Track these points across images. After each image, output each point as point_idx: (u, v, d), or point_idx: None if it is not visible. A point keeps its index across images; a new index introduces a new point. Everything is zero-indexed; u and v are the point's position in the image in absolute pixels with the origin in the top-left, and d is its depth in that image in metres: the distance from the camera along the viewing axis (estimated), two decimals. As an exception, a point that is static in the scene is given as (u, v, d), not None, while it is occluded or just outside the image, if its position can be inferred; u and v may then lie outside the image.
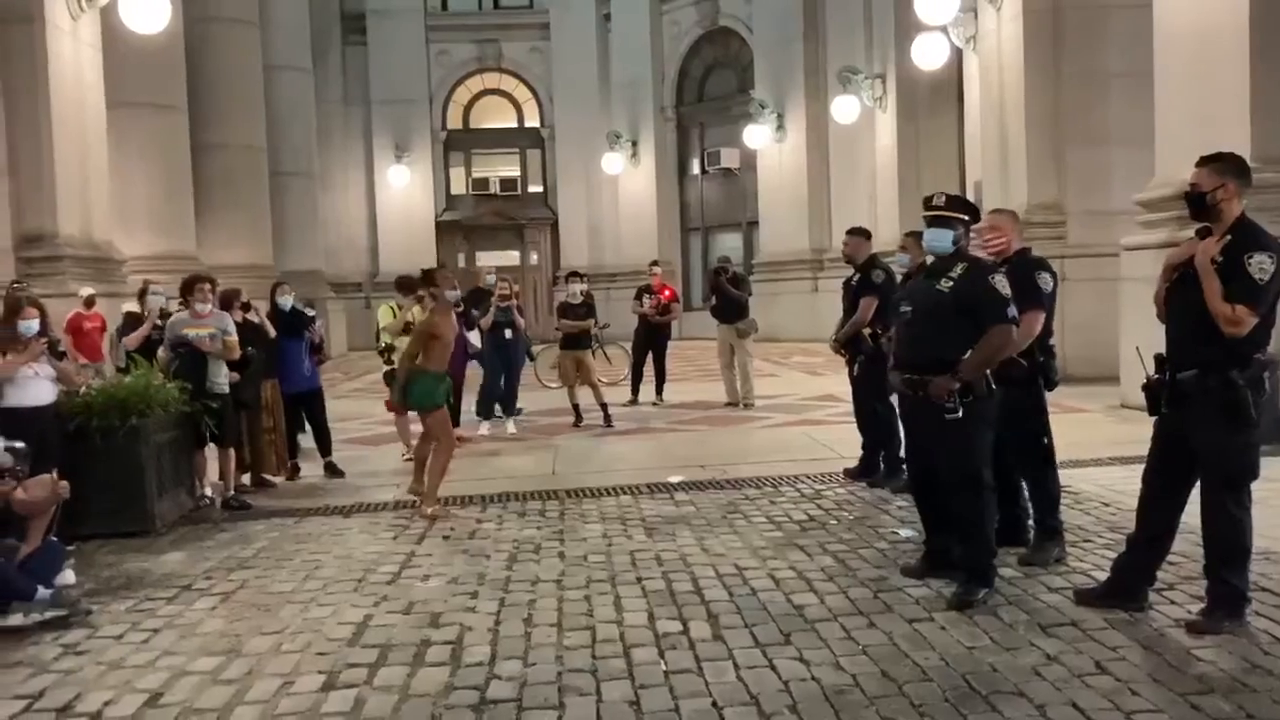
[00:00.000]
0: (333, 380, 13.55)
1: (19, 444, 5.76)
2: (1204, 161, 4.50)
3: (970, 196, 16.53)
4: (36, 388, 6.70)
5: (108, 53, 13.88)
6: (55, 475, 5.90)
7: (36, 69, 12.33)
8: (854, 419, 8.21)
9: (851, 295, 7.89)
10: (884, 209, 20.27)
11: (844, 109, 21.63)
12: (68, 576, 5.69)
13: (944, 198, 5.22)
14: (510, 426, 11.28)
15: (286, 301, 9.33)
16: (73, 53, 12.97)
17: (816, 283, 22.71)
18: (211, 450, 8.02)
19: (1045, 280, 5.46)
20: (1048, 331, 5.51)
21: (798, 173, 23.89)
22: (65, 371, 7.08)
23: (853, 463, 8.15)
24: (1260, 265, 4.24)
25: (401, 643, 4.68)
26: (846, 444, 8.64)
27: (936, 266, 5.18)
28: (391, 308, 9.79)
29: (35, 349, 6.62)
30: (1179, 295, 4.50)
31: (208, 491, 8.03)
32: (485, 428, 11.17)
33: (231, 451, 8.16)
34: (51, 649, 4.78)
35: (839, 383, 10.77)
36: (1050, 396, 5.66)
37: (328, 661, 4.48)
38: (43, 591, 5.22)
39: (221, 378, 7.96)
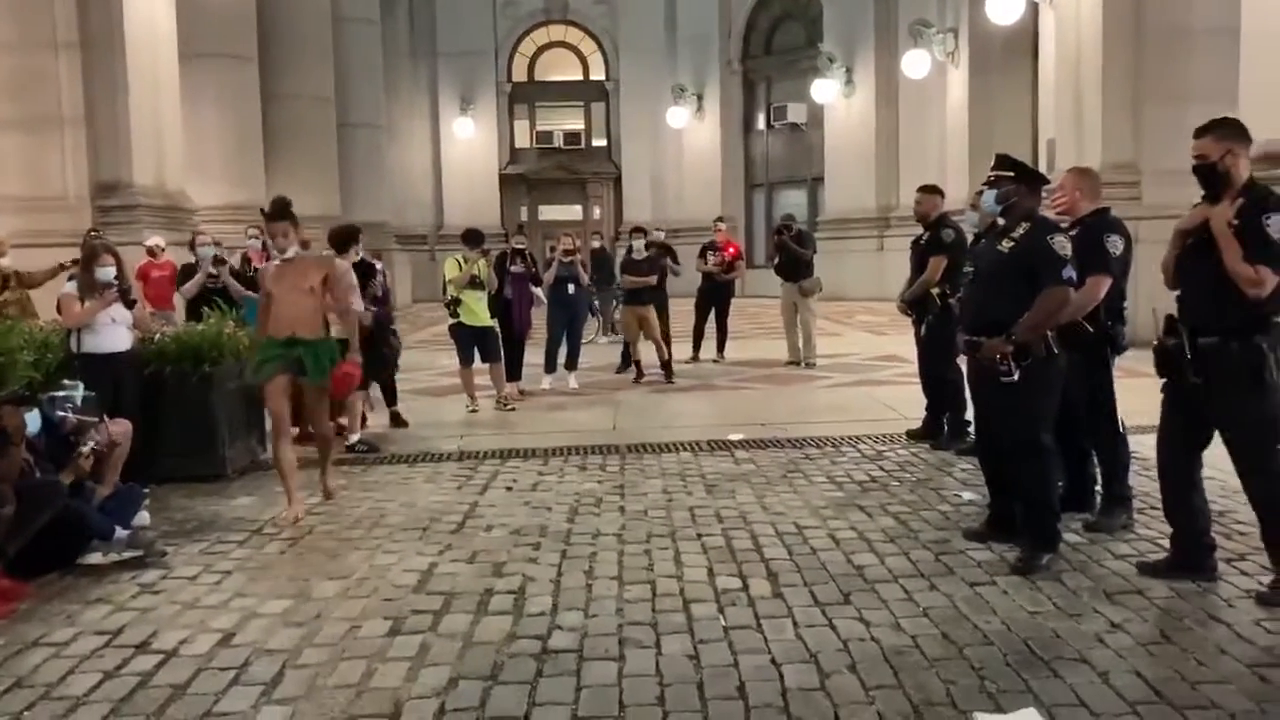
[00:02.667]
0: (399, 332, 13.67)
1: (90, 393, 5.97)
2: (1203, 131, 4.53)
3: (1043, 155, 16.20)
4: (113, 334, 6.88)
5: (180, 3, 14.04)
6: (106, 419, 6.07)
7: (112, 20, 12.53)
8: (918, 380, 8.14)
9: (920, 254, 7.78)
10: (954, 166, 19.90)
11: (915, 64, 21.20)
12: (144, 518, 5.85)
13: (995, 158, 5.22)
14: (572, 381, 11.35)
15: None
16: (147, 3, 13.13)
17: (882, 241, 22.40)
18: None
19: (1114, 243, 5.31)
20: (1119, 295, 5.39)
21: (866, 128, 23.51)
22: (141, 319, 7.26)
23: (916, 424, 8.10)
24: (1278, 226, 4.23)
25: (465, 591, 4.76)
26: (909, 405, 8.58)
27: (1003, 227, 5.11)
28: (457, 260, 9.84)
29: (110, 296, 6.79)
30: (1193, 262, 4.47)
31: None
32: (547, 381, 11.25)
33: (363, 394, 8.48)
34: (129, 588, 4.94)
35: (903, 343, 10.68)
36: (1121, 362, 5.55)
37: (393, 607, 4.57)
38: (120, 532, 5.38)
39: None
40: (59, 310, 7.16)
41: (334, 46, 20.71)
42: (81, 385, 6.07)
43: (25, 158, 12.14)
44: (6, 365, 6.35)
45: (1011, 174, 5.04)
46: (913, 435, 7.98)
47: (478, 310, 9.83)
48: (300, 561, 5.31)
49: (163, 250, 11.30)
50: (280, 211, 6.34)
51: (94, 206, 12.46)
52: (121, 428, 6.19)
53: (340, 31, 21.26)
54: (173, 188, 13.77)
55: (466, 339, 9.88)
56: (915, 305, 7.83)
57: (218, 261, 9.70)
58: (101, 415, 6.05)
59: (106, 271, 6.85)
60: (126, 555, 5.27)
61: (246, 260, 10.10)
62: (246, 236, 11.12)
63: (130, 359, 6.99)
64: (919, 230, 8.03)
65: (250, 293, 9.72)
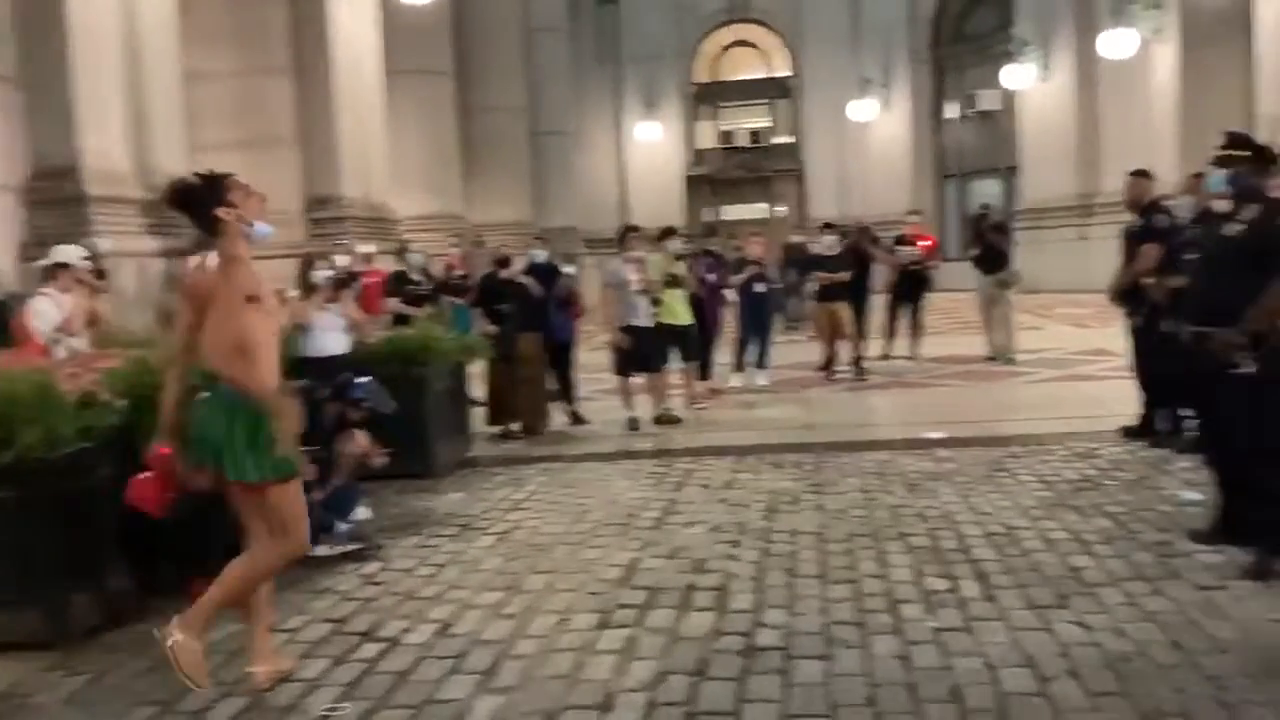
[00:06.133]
0: (589, 333, 13.93)
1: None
2: None
3: (1263, 134, 15.09)
4: (324, 339, 7.25)
5: (382, 23, 14.73)
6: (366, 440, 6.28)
7: (322, 45, 13.25)
8: (1131, 374, 7.73)
9: (1132, 242, 7.39)
10: (1162, 150, 18.72)
11: (1117, 42, 20.09)
12: (362, 513, 6.15)
13: (1224, 136, 4.94)
14: (761, 379, 11.31)
15: (537, 255, 9.77)
16: (352, 26, 13.83)
17: (1084, 230, 21.37)
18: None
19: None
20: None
21: (1063, 113, 22.46)
22: (357, 322, 7.62)
23: (1129, 420, 7.68)
24: None
25: (669, 586, 4.82)
26: (1121, 400, 8.13)
27: (1229, 210, 4.80)
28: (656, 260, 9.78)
29: (325, 293, 7.19)
30: None
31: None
32: (737, 380, 11.25)
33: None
34: (352, 579, 5.22)
35: (1109, 336, 10.18)
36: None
37: (600, 601, 4.67)
38: (342, 526, 5.69)
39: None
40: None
41: (525, 57, 21.30)
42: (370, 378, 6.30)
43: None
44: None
45: (1247, 153, 4.73)
46: (1128, 432, 7.58)
47: (678, 309, 9.73)
48: (509, 555, 5.49)
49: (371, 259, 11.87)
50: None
51: (307, 219, 13.20)
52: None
53: (530, 42, 21.83)
54: (377, 200, 14.45)
55: (666, 339, 9.61)
56: (1127, 296, 7.44)
57: (425, 273, 10.15)
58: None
59: (321, 274, 7.27)
60: (349, 548, 5.57)
61: (449, 267, 10.50)
62: (449, 244, 11.57)
63: (346, 362, 7.35)
64: (1125, 218, 7.63)
65: (456, 299, 10.15)
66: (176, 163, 10.15)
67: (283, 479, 3.77)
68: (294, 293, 7.37)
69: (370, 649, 4.27)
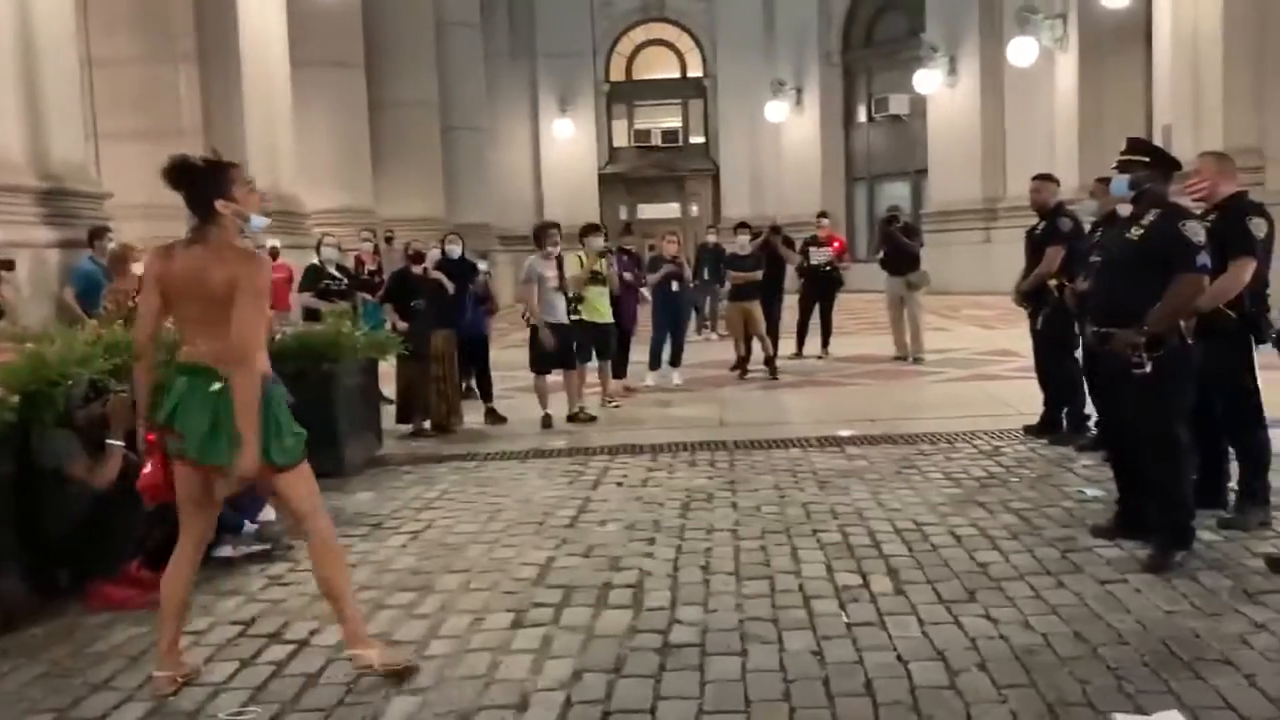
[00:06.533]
0: (502, 331, 13.87)
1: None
2: None
3: (1159, 141, 15.64)
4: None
5: (290, 13, 14.42)
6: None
7: (227, 33, 12.90)
8: (1033, 374, 7.96)
9: (1036, 245, 7.58)
10: (1063, 155, 19.30)
11: (1021, 51, 20.66)
12: (269, 513, 5.98)
13: (1126, 142, 5.06)
14: (676, 378, 11.36)
15: (454, 250, 9.68)
16: (260, 15, 13.50)
17: (989, 233, 21.94)
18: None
19: (1258, 226, 5.11)
20: (1262, 281, 5.17)
21: (970, 119, 23.03)
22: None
23: (1032, 419, 7.89)
24: None
25: (584, 585, 4.79)
26: (1025, 400, 8.36)
27: (1131, 214, 4.95)
28: (578, 257, 9.72)
29: None
30: None
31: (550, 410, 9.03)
32: (651, 379, 11.28)
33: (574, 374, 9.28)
34: (258, 580, 5.09)
35: (1013, 337, 10.46)
36: (1266, 358, 5.32)
37: (515, 600, 4.63)
38: (249, 526, 5.54)
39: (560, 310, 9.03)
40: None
41: (436, 51, 21.06)
42: None
43: (149, 167, 12.49)
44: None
45: (1146, 159, 4.88)
46: (1030, 430, 7.78)
47: (600, 307, 9.65)
48: (422, 555, 5.41)
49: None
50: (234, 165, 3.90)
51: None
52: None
53: (442, 35, 21.60)
54: (286, 192, 14.14)
55: (587, 337, 9.57)
56: (1031, 297, 7.64)
57: (341, 268, 9.97)
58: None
59: None
60: (255, 549, 5.42)
61: (360, 262, 10.32)
62: (360, 239, 11.37)
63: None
64: (1028, 221, 7.85)
65: (366, 294, 9.99)
66: (74, 151, 9.82)
67: (296, 462, 3.88)
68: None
69: (279, 651, 4.16)
